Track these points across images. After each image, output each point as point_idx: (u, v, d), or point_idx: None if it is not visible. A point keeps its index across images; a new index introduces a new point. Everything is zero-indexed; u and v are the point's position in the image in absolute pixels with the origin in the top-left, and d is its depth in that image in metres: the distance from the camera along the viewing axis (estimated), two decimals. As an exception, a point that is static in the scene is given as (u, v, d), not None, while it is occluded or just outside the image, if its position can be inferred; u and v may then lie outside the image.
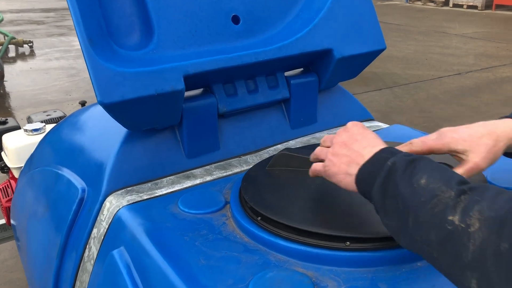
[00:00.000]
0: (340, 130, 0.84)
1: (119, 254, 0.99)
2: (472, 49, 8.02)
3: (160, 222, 1.02)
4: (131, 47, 1.19)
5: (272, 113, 1.40)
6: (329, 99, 1.51)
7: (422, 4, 13.51)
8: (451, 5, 12.80)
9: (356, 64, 1.44)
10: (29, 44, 8.29)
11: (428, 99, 5.67)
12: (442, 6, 13.02)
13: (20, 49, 8.43)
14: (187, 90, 1.23)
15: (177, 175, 1.22)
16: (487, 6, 12.18)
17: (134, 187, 1.17)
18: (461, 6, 12.54)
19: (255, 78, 1.34)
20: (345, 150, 0.78)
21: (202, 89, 1.30)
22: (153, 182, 1.19)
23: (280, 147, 1.37)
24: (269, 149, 1.36)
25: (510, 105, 5.32)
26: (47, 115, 2.47)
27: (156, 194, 1.14)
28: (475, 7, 12.28)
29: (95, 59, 1.05)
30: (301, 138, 1.42)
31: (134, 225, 1.02)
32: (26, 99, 5.91)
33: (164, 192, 1.15)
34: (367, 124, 1.51)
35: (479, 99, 5.62)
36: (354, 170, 0.75)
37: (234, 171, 1.24)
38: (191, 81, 1.18)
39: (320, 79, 1.42)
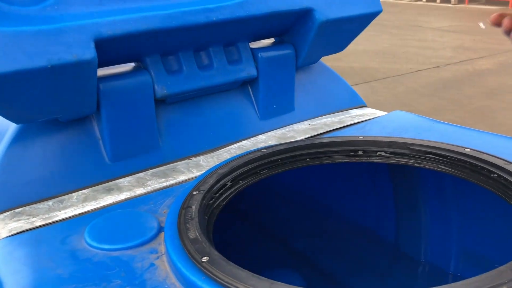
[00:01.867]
0: None
1: (-23, 325, 0.60)
2: (449, 42, 7.86)
3: (50, 266, 0.63)
4: (21, 2, 0.80)
5: (235, 98, 1.04)
6: (309, 80, 1.15)
7: None
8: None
9: (344, 31, 1.08)
10: None
11: (408, 93, 5.43)
12: (415, 1, 12.91)
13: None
14: (108, 64, 0.86)
15: (95, 188, 0.84)
16: (460, 0, 12.12)
17: (26, 208, 0.78)
18: (434, 0, 12.46)
19: (209, 49, 0.96)
20: None
21: (133, 64, 0.93)
22: (56, 199, 0.81)
23: (246, 143, 1.00)
24: (231, 146, 0.99)
25: (493, 97, 5.12)
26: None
27: (56, 219, 0.75)
28: (448, 1, 12.22)
29: None
30: (274, 131, 1.05)
31: (8, 271, 0.63)
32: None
33: (69, 214, 0.76)
34: (360, 111, 1.16)
35: (460, 91, 5.42)
36: None
37: (179, 179, 0.87)
38: (111, 50, 0.80)
39: (298, 52, 1.06)
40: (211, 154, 0.96)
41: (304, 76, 1.13)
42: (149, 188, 0.84)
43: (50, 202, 0.80)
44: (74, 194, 0.82)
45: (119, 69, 0.90)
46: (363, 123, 1.07)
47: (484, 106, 4.91)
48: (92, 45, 0.75)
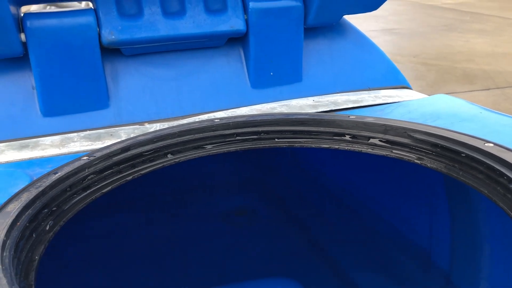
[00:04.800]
0: None
1: None
2: None
3: None
4: None
5: (219, 58, 0.83)
6: (329, 47, 0.89)
7: (557, 0, 11.61)
8: None
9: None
10: None
11: (550, 104, 4.61)
12: None
13: None
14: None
15: (22, 141, 0.71)
16: None
17: None
18: None
19: (182, -8, 0.78)
20: None
21: (87, 2, 0.78)
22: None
23: (220, 115, 0.79)
24: (201, 116, 0.79)
25: None
26: None
27: None
28: None
29: None
30: (262, 105, 0.83)
31: None
32: None
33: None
34: (393, 92, 0.87)
35: None
36: None
37: (107, 144, 0.70)
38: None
39: (307, 5, 0.82)
40: (172, 123, 0.77)
41: (323, 41, 0.89)
42: (64, 150, 0.68)
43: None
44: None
45: (66, 7, 0.75)
46: (385, 105, 0.79)
47: None
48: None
